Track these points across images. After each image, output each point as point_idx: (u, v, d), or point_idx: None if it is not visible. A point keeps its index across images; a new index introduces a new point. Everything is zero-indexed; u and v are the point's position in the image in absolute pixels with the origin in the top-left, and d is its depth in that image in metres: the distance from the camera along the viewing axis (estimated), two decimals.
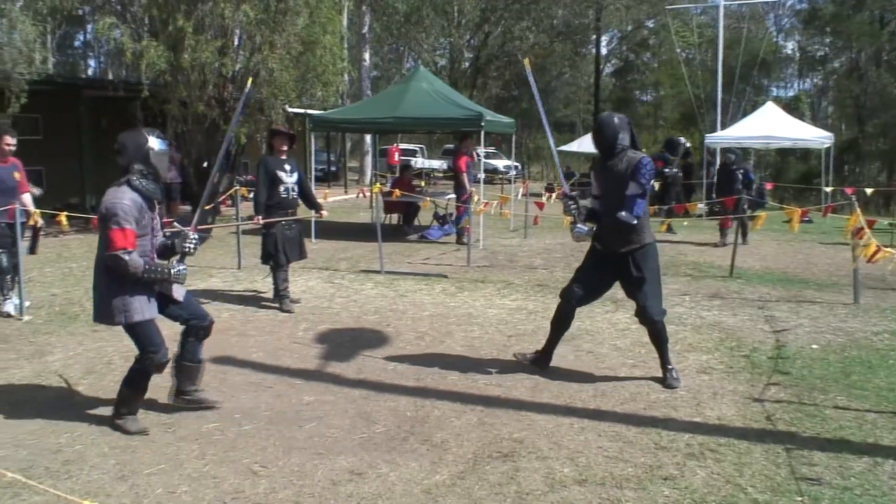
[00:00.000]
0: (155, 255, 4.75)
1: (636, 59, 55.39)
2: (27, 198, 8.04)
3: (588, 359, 6.42)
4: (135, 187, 4.53)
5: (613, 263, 5.64)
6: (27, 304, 7.95)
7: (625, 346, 6.79)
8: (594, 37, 46.77)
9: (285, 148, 8.12)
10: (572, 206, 5.76)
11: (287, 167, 8.06)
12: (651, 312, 5.57)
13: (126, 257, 4.40)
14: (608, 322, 7.70)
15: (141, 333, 4.63)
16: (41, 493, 3.78)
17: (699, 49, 39.58)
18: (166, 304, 4.82)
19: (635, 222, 5.37)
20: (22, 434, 4.69)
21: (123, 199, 4.45)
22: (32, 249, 9.65)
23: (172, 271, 4.62)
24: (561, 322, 6.02)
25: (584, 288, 5.82)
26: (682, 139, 18.76)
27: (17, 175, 7.87)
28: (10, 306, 7.79)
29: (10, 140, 7.78)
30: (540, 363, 6.08)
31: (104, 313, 4.62)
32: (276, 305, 8.24)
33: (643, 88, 59.04)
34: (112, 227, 4.40)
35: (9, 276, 7.84)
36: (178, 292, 4.84)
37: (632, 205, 5.34)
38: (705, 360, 6.39)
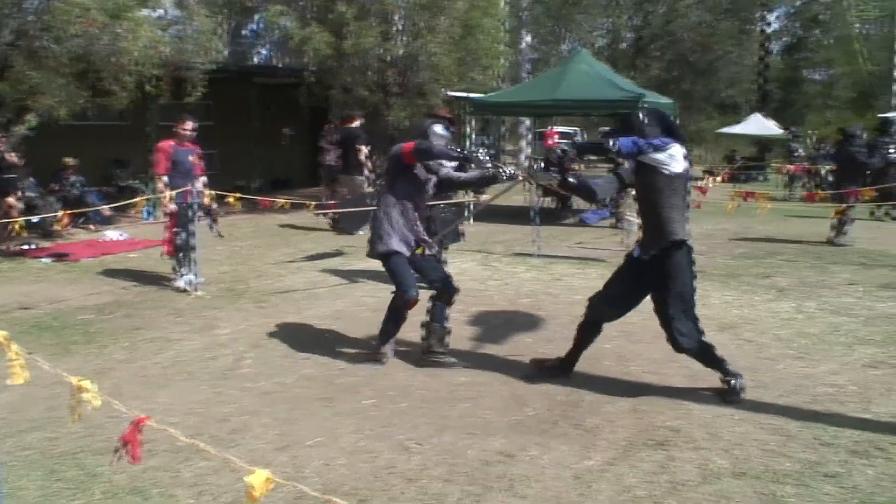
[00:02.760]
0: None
1: (807, 35, 52.13)
2: (201, 180, 8.57)
3: (748, 348, 6.16)
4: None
5: (647, 271, 4.93)
6: (201, 280, 8.38)
7: (787, 337, 6.47)
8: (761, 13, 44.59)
9: None
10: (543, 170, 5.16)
11: None
12: (682, 343, 4.86)
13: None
14: (770, 311, 7.36)
15: (394, 270, 5.46)
16: (209, 459, 4.02)
17: (880, 23, 36.81)
18: (420, 266, 5.63)
19: (610, 146, 4.64)
20: (192, 402, 5.00)
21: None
22: (215, 232, 10.15)
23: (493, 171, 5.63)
24: (583, 333, 5.41)
25: (613, 303, 5.19)
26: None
27: (193, 158, 8.42)
28: (183, 282, 8.26)
29: (190, 125, 8.34)
30: (563, 371, 5.48)
31: (370, 247, 5.58)
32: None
33: (814, 67, 55.50)
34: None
35: (182, 254, 8.31)
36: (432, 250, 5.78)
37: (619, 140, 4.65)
38: (876, 355, 5.98)
